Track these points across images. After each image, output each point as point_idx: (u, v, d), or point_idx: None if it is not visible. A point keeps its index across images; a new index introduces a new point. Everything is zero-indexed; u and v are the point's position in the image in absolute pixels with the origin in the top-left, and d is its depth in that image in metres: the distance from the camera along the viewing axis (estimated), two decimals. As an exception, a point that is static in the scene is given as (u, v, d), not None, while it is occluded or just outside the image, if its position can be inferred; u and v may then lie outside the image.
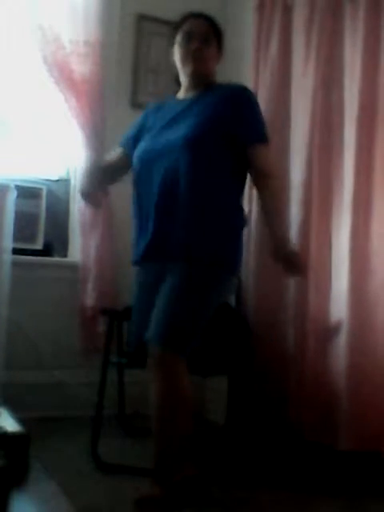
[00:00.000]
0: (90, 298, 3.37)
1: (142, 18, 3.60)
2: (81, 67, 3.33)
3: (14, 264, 3.00)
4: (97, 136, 3.37)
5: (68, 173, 3.60)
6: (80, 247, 3.44)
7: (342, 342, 2.73)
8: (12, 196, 2.97)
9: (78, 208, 3.45)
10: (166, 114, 2.41)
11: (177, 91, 2.47)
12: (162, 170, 2.27)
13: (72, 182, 3.57)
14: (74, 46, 3.32)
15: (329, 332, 2.83)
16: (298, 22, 3.08)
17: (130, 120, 3.53)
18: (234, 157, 2.30)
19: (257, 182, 2.36)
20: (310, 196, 2.95)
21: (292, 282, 3.00)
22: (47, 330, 3.35)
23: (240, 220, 2.37)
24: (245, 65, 3.37)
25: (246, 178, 2.40)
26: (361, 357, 2.67)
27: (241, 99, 2.32)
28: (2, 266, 2.90)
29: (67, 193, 3.60)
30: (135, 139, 2.48)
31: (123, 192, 3.47)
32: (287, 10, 3.16)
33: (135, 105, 3.61)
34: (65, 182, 3.60)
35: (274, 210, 2.32)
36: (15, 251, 3.07)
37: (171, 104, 2.44)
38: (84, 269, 3.41)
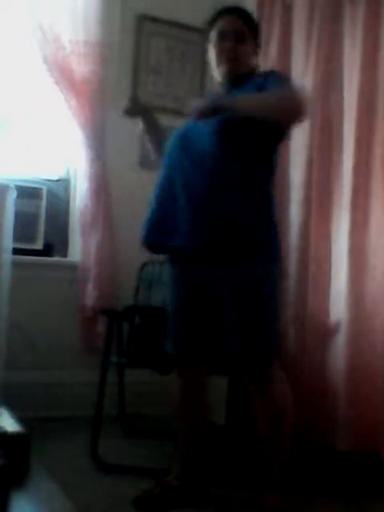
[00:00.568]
0: (89, 298, 3.37)
1: (142, 18, 3.60)
2: (81, 67, 3.34)
3: (14, 264, 3.00)
4: (97, 136, 3.38)
5: (68, 173, 3.60)
6: (80, 247, 3.44)
7: (341, 341, 2.73)
8: (12, 196, 2.97)
9: (78, 208, 3.45)
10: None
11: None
12: (195, 162, 2.17)
13: (72, 182, 3.58)
14: (74, 46, 3.32)
15: (328, 331, 2.83)
16: (298, 21, 3.08)
17: (130, 120, 3.56)
18: (263, 145, 2.22)
19: None
20: (309, 196, 2.95)
21: (292, 283, 3.00)
22: (47, 329, 3.35)
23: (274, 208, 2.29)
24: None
25: (275, 167, 2.31)
26: (360, 357, 2.67)
27: (267, 74, 2.25)
28: (2, 266, 2.90)
29: (67, 193, 3.60)
30: None
31: (123, 192, 3.50)
32: (287, 10, 3.16)
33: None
34: (65, 182, 3.60)
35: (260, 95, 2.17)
36: (15, 251, 3.06)
37: (210, 95, 2.39)
38: (84, 269, 3.41)
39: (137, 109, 2.51)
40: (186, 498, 2.33)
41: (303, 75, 3.01)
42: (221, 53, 2.27)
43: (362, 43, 2.74)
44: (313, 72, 2.96)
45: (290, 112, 2.13)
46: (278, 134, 2.25)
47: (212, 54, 2.31)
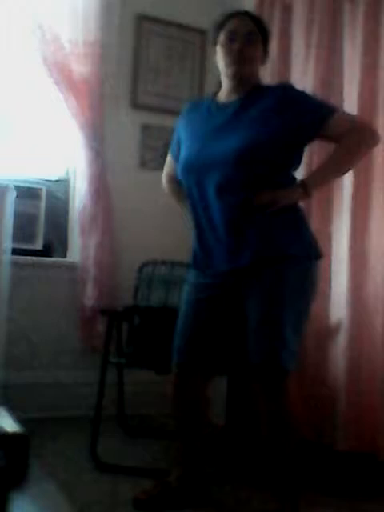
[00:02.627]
0: (89, 298, 3.37)
1: (142, 18, 3.60)
2: (80, 67, 3.34)
3: (14, 264, 3.00)
4: (96, 136, 3.38)
5: (67, 173, 3.60)
6: (79, 247, 3.44)
7: (341, 342, 2.73)
8: (11, 196, 2.97)
9: (77, 208, 3.45)
10: (209, 119, 2.26)
11: (216, 92, 2.32)
12: (214, 181, 2.15)
13: (71, 182, 3.58)
14: (74, 46, 3.32)
15: (329, 332, 2.83)
16: (298, 21, 3.08)
17: (130, 120, 3.58)
18: (291, 155, 2.22)
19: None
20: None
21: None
22: (47, 330, 3.35)
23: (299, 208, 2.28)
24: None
25: (300, 163, 2.29)
26: (360, 358, 2.67)
27: (288, 98, 2.19)
28: (1, 267, 2.90)
29: (66, 193, 3.60)
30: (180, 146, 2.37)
31: (123, 192, 3.50)
32: (287, 10, 3.16)
33: (135, 105, 3.62)
34: (64, 183, 3.60)
35: (330, 157, 2.22)
36: (15, 251, 3.07)
37: (213, 107, 2.28)
38: (83, 269, 3.41)
39: None
40: (186, 498, 2.33)
41: (303, 75, 3.01)
42: (229, 54, 2.20)
43: (362, 43, 2.73)
44: (313, 72, 2.96)
45: (367, 147, 2.28)
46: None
47: (220, 55, 2.24)
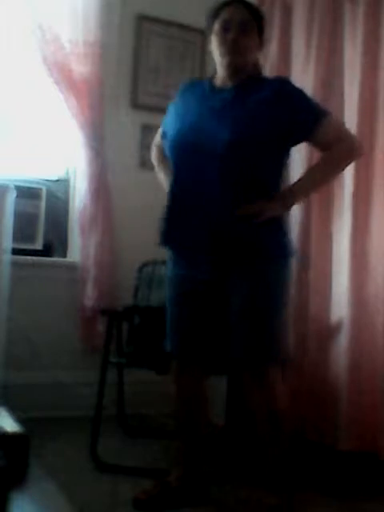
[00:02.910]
0: (89, 298, 3.37)
1: (142, 18, 3.60)
2: (80, 67, 3.34)
3: (14, 264, 3.00)
4: (96, 136, 3.38)
5: (67, 173, 3.60)
6: (79, 247, 3.44)
7: (342, 342, 2.73)
8: (12, 196, 2.97)
9: (77, 208, 3.45)
10: (203, 101, 2.25)
11: (212, 77, 2.31)
12: (202, 173, 2.16)
13: (71, 182, 3.58)
14: (74, 46, 3.32)
15: (329, 332, 2.83)
16: (298, 22, 3.08)
17: (130, 120, 3.57)
18: (280, 151, 2.23)
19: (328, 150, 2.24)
20: (310, 197, 2.94)
21: (293, 283, 2.99)
22: (47, 330, 3.35)
23: None
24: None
25: (286, 165, 2.32)
26: (361, 358, 2.67)
27: (284, 92, 2.18)
28: (1, 267, 2.90)
29: (66, 193, 3.60)
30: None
31: (123, 192, 3.50)
32: (287, 10, 3.16)
33: (135, 105, 3.62)
34: (64, 182, 3.60)
35: (315, 167, 2.29)
36: (15, 251, 3.07)
37: (209, 89, 2.27)
38: (83, 269, 3.41)
39: None
40: (186, 498, 2.33)
41: (303, 75, 3.01)
42: (224, 44, 2.18)
43: (362, 43, 2.73)
44: (313, 72, 2.96)
45: (351, 161, 2.33)
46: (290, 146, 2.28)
47: (214, 44, 2.23)
